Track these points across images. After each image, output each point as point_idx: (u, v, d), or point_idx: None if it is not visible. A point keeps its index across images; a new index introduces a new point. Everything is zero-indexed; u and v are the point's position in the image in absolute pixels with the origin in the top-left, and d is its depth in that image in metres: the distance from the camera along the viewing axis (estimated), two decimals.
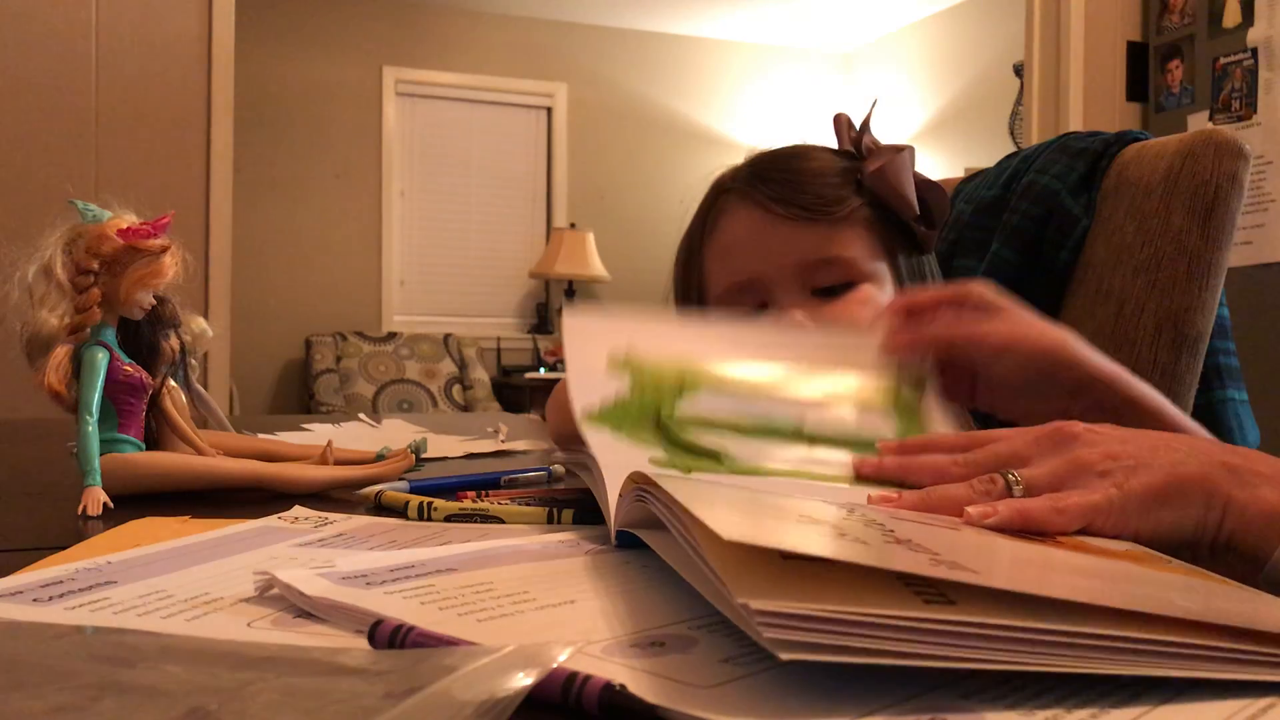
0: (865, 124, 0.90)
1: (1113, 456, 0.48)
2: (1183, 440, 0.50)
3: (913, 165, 0.89)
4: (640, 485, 0.45)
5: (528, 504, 0.63)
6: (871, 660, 0.30)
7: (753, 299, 0.87)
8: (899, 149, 0.87)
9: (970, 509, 0.46)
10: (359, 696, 0.28)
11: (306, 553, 0.51)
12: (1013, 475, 0.50)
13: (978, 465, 0.53)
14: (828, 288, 0.85)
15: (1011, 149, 2.20)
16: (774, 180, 0.87)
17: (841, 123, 0.91)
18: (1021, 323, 0.70)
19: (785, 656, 0.29)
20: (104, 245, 0.72)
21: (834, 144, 0.93)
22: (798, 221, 0.85)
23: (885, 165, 0.86)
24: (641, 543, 0.48)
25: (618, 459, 0.56)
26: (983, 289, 0.71)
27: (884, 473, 0.58)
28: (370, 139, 5.16)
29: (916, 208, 0.87)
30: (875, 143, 0.89)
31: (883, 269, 0.87)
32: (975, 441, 0.56)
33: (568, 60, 5.49)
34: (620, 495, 0.49)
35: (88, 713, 0.27)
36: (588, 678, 0.29)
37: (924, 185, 0.88)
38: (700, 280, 0.92)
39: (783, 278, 0.85)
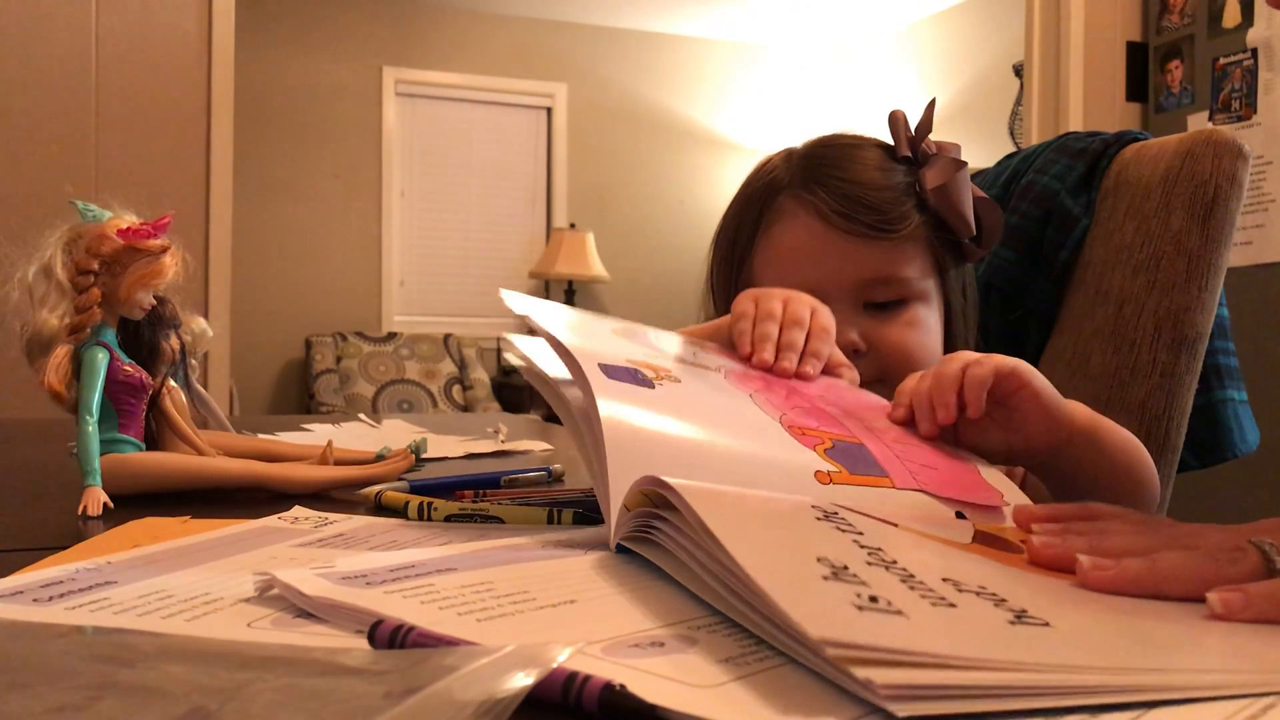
0: (923, 126, 0.86)
1: None
2: None
3: (969, 179, 0.86)
4: (649, 509, 0.45)
5: (528, 504, 0.63)
6: (986, 708, 0.29)
7: None
8: (958, 163, 0.84)
9: (1214, 598, 0.37)
10: (359, 696, 0.28)
11: (306, 553, 0.51)
12: (1269, 545, 0.40)
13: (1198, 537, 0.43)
14: (881, 303, 0.84)
15: (1011, 149, 2.20)
16: (834, 188, 0.83)
17: (899, 122, 0.87)
18: None
19: (903, 713, 0.28)
20: (104, 245, 0.72)
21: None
22: (859, 238, 0.82)
23: (948, 184, 0.83)
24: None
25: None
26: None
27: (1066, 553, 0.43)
28: (370, 139, 5.16)
29: (974, 228, 0.85)
30: (932, 146, 0.86)
31: (933, 287, 0.86)
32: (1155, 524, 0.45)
33: (568, 60, 5.49)
34: (624, 507, 0.48)
35: (88, 713, 0.27)
36: (588, 678, 0.29)
37: (980, 203, 0.86)
38: (748, 279, 0.88)
39: (837, 292, 0.82)
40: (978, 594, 0.38)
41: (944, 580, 0.38)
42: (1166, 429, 0.97)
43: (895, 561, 0.39)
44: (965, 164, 0.86)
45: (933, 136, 0.89)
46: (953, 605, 0.36)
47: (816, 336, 0.70)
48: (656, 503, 0.45)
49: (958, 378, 0.62)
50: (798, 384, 0.67)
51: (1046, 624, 0.35)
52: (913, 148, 0.86)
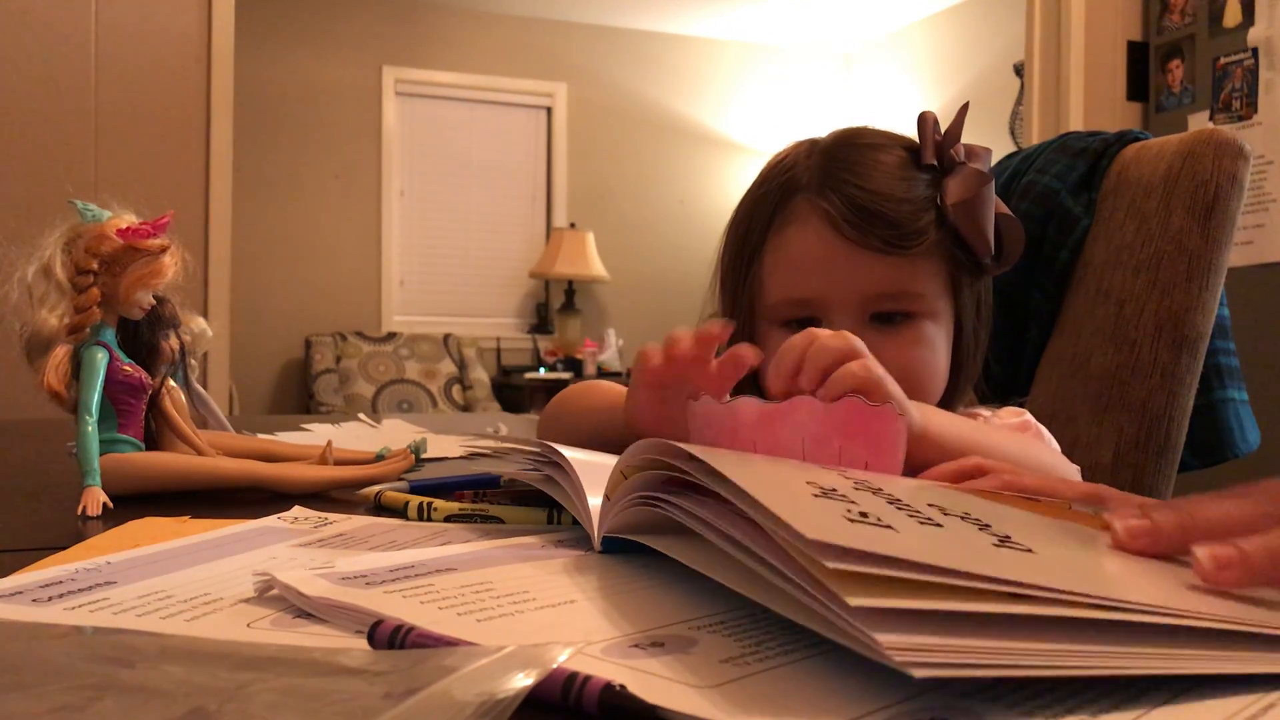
0: (953, 132, 0.83)
1: None
2: None
3: (994, 195, 0.83)
4: (650, 490, 0.45)
5: (528, 504, 0.63)
6: (1002, 673, 0.29)
7: (806, 313, 0.83)
8: (983, 176, 0.81)
9: (1204, 554, 0.35)
10: (359, 697, 0.28)
11: (306, 553, 0.51)
12: None
13: None
14: (888, 315, 0.81)
15: (1011, 149, 2.19)
16: (849, 195, 0.79)
17: (927, 124, 0.84)
18: None
19: (920, 674, 0.28)
20: (103, 245, 0.72)
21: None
22: (871, 250, 0.79)
23: (971, 199, 0.80)
24: (627, 547, 0.47)
25: (591, 466, 0.56)
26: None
27: (1162, 537, 0.39)
28: (370, 139, 5.16)
29: (993, 247, 0.83)
30: (960, 153, 0.83)
31: (944, 304, 0.83)
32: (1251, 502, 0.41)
33: (568, 60, 5.48)
34: (608, 499, 0.48)
35: (88, 713, 0.27)
36: (588, 678, 0.29)
37: (1002, 220, 0.84)
38: (755, 280, 0.86)
39: (845, 303, 0.80)
40: (962, 519, 0.39)
41: (930, 505, 0.40)
42: (1167, 429, 0.97)
43: (882, 489, 0.41)
44: (991, 178, 0.82)
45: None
46: (939, 525, 0.37)
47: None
48: (639, 487, 0.45)
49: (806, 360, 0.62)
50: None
51: (1030, 550, 0.36)
52: (939, 154, 0.83)
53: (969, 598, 0.31)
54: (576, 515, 0.54)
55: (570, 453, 0.57)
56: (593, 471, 0.55)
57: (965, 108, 0.85)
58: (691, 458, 0.41)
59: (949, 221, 0.81)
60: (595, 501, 0.52)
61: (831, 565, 0.29)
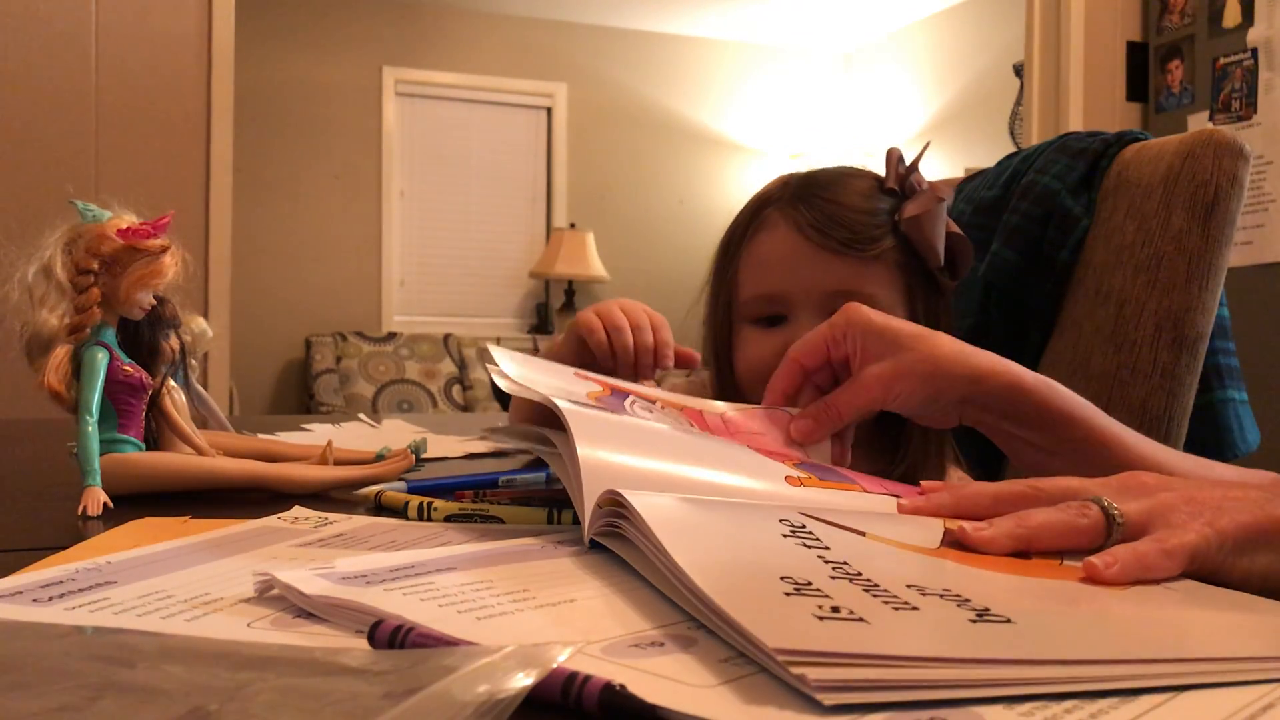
0: (915, 164, 0.93)
1: (1194, 500, 0.46)
2: (1251, 486, 0.48)
3: (945, 215, 0.92)
4: (615, 506, 0.45)
5: (528, 504, 0.63)
6: (913, 696, 0.29)
7: (774, 310, 0.92)
8: (939, 196, 0.90)
9: (1095, 560, 0.42)
10: (359, 696, 0.28)
11: (306, 553, 0.51)
12: (1109, 502, 0.46)
13: (1051, 496, 0.49)
14: None
15: (1011, 149, 2.20)
16: (815, 206, 0.90)
17: (892, 158, 0.94)
18: (906, 352, 0.68)
19: (829, 701, 0.28)
20: (104, 245, 0.72)
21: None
22: (830, 252, 0.89)
23: (922, 215, 0.89)
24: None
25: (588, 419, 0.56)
26: (856, 315, 0.69)
27: (934, 506, 0.52)
28: (370, 139, 5.16)
29: (942, 259, 0.91)
30: (921, 183, 0.92)
31: (900, 312, 0.90)
32: (1033, 487, 0.51)
33: (568, 60, 5.48)
34: (598, 505, 0.48)
35: (88, 713, 0.27)
36: (588, 678, 0.29)
37: (953, 237, 0.92)
38: (732, 281, 0.96)
39: (807, 300, 0.90)
40: (941, 596, 0.38)
41: (908, 586, 0.38)
42: (1167, 429, 0.97)
43: (860, 574, 0.39)
44: (944, 200, 0.91)
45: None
46: (915, 609, 0.36)
47: (662, 328, 0.91)
48: (623, 504, 0.45)
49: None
50: (755, 435, 0.68)
51: (1008, 620, 0.35)
52: (901, 182, 0.92)
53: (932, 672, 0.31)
54: (574, 503, 0.54)
55: (563, 403, 0.57)
56: (591, 424, 0.56)
57: (926, 145, 0.95)
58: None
59: (901, 232, 0.90)
60: (598, 455, 0.53)
61: (796, 671, 0.29)
